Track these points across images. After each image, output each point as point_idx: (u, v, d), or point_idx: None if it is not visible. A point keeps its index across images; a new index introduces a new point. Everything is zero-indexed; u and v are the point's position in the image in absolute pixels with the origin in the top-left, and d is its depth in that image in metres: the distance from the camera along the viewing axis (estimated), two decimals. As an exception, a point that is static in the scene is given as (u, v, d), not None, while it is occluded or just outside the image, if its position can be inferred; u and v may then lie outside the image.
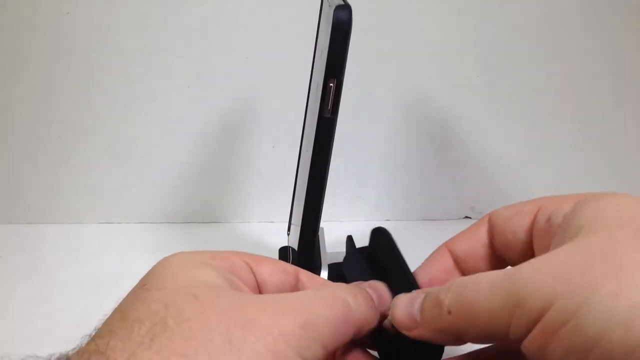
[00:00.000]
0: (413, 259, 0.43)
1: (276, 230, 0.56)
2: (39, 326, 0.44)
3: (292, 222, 0.48)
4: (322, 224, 0.38)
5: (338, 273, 0.46)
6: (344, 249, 0.48)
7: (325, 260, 0.40)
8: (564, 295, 0.17)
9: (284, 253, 0.47)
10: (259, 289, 0.25)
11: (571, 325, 0.17)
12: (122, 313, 0.20)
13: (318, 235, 0.39)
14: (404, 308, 0.24)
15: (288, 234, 0.49)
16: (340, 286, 0.25)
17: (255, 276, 0.25)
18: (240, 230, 0.60)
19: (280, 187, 0.56)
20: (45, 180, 0.60)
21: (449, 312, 0.22)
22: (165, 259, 0.23)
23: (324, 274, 0.39)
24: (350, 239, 0.47)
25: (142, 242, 0.58)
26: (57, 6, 0.53)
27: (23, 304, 0.47)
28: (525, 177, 0.62)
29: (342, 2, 0.31)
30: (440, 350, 0.26)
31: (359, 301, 0.24)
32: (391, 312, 0.25)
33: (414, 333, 0.24)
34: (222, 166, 0.60)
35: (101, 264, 0.54)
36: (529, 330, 0.19)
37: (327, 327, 0.21)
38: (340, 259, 0.48)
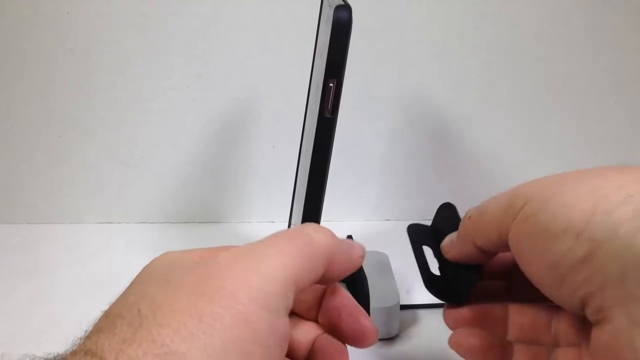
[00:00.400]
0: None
1: (276, 230, 0.56)
2: (39, 326, 0.44)
3: (292, 222, 0.48)
4: (322, 224, 0.38)
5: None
6: (343, 249, 0.48)
7: (325, 260, 0.40)
8: (537, 196, 0.24)
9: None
10: None
11: (535, 216, 0.24)
12: (106, 312, 0.20)
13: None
14: (448, 238, 0.32)
15: (288, 234, 0.49)
16: (305, 224, 0.25)
17: None
18: (240, 230, 0.60)
19: (280, 187, 0.56)
20: (45, 180, 0.60)
21: (469, 217, 0.29)
22: (154, 259, 0.23)
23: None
24: (350, 239, 0.47)
25: (141, 242, 0.58)
26: (57, 6, 0.53)
27: (23, 304, 0.47)
28: (525, 177, 0.61)
29: (342, 2, 0.31)
30: (473, 278, 0.31)
31: (323, 232, 0.24)
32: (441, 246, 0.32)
33: (451, 253, 0.31)
34: (222, 166, 0.60)
35: (101, 263, 0.54)
36: (514, 223, 0.25)
37: (292, 262, 0.21)
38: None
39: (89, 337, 0.19)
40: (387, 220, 0.63)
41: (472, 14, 0.55)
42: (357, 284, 0.43)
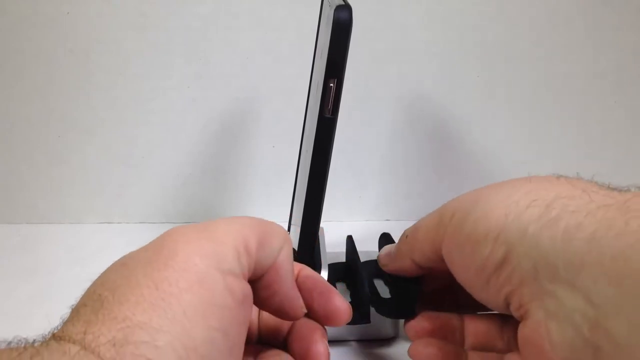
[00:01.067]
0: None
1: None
2: (39, 326, 0.44)
3: (292, 222, 0.48)
4: (322, 224, 0.38)
5: (337, 273, 0.46)
6: (344, 249, 0.48)
7: (325, 260, 0.40)
8: (461, 208, 0.27)
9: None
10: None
11: (460, 227, 0.26)
12: (72, 307, 0.21)
13: (318, 235, 0.39)
14: (384, 251, 0.35)
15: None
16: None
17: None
18: (240, 230, 0.60)
19: (280, 187, 0.56)
20: (45, 180, 0.60)
21: (406, 236, 0.32)
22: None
23: (324, 273, 0.39)
24: (350, 239, 0.47)
25: (141, 242, 0.57)
26: (57, 6, 0.53)
27: (23, 304, 0.47)
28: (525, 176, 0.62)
29: (342, 2, 0.31)
30: (413, 289, 0.35)
31: (284, 235, 0.25)
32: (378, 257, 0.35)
33: (389, 267, 0.35)
34: (222, 166, 0.60)
35: (101, 264, 0.54)
36: (444, 236, 0.27)
37: (243, 229, 0.22)
38: (341, 259, 0.48)
39: (57, 329, 0.20)
40: (387, 220, 0.63)
41: (472, 14, 0.55)
42: (357, 284, 0.43)
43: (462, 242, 0.26)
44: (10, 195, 0.61)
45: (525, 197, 0.24)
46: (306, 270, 0.28)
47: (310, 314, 0.26)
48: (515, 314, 0.24)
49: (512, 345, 0.28)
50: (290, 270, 0.25)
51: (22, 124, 0.58)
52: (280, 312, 0.25)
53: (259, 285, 0.24)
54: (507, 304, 0.24)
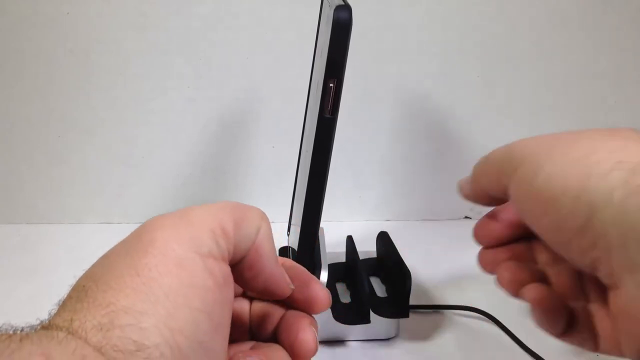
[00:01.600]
0: (413, 259, 0.43)
1: (276, 230, 0.56)
2: (38, 326, 0.44)
3: (292, 222, 0.48)
4: (322, 224, 0.38)
5: (337, 273, 0.46)
6: (344, 249, 0.48)
7: (325, 260, 0.40)
8: (531, 158, 0.26)
9: (284, 253, 0.48)
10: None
11: (531, 179, 0.25)
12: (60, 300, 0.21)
13: (318, 235, 0.39)
14: (465, 178, 0.34)
15: (288, 234, 0.49)
16: None
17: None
18: (240, 230, 0.60)
19: (280, 187, 0.56)
20: (45, 180, 0.60)
21: (479, 162, 0.32)
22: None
23: (324, 274, 0.39)
24: (350, 239, 0.47)
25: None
26: (57, 6, 0.53)
27: (23, 304, 0.47)
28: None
29: (342, 2, 0.31)
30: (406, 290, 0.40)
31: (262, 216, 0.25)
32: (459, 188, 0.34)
33: (463, 191, 0.34)
34: (222, 166, 0.60)
35: (101, 264, 0.54)
36: (510, 181, 0.27)
37: (219, 212, 0.22)
38: (341, 259, 0.48)
39: (45, 321, 0.20)
40: (387, 220, 0.63)
41: (472, 14, 0.55)
42: (357, 284, 0.43)
43: (533, 195, 0.25)
44: (10, 195, 0.61)
45: (608, 158, 0.22)
46: (287, 262, 0.28)
47: (292, 303, 0.27)
48: (604, 281, 0.23)
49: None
50: (271, 249, 0.25)
51: (22, 124, 0.58)
52: (267, 291, 0.25)
53: (242, 267, 0.24)
54: (594, 269, 0.23)
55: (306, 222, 0.37)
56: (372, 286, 0.44)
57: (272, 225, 0.26)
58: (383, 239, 0.47)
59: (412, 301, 0.41)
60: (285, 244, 0.49)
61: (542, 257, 0.30)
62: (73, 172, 0.60)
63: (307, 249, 0.38)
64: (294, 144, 0.48)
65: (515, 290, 0.29)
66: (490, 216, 0.33)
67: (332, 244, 0.45)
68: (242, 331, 0.27)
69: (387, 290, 0.45)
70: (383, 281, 0.46)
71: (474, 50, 0.56)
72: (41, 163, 0.59)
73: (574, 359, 0.41)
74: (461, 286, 0.49)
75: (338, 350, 0.42)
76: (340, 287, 0.46)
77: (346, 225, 0.58)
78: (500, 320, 0.44)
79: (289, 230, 0.49)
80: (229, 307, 0.22)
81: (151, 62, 0.56)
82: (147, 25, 0.54)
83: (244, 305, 0.27)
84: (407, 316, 0.40)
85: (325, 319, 0.41)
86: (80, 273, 0.21)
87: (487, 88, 0.58)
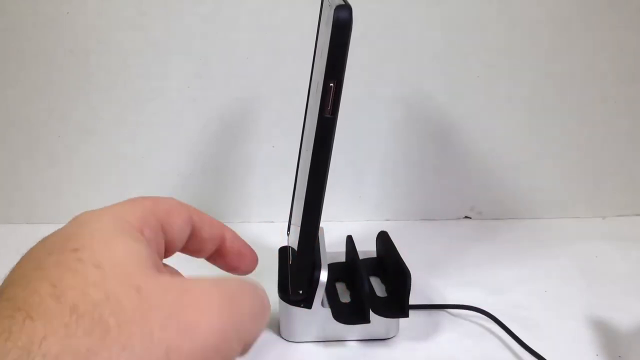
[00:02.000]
0: (413, 259, 0.43)
1: (276, 230, 0.56)
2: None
3: (292, 222, 0.48)
4: (322, 224, 0.38)
5: (337, 273, 0.46)
6: (344, 249, 0.48)
7: (325, 260, 0.40)
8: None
9: (284, 253, 0.48)
10: (166, 252, 0.25)
11: None
12: (54, 288, 0.17)
13: (318, 235, 0.39)
14: None
15: (288, 234, 0.49)
16: (239, 279, 0.23)
17: (166, 236, 0.25)
18: (240, 230, 0.59)
19: (280, 187, 0.56)
20: (45, 180, 0.60)
21: None
22: (89, 217, 0.22)
23: (324, 273, 0.39)
24: (350, 239, 0.47)
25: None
26: (57, 6, 0.53)
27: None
28: (525, 176, 0.62)
29: (342, 2, 0.31)
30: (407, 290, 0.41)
31: (264, 295, 0.23)
32: None
33: None
34: (222, 166, 0.60)
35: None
36: None
37: (252, 325, 0.21)
38: (341, 259, 0.48)
39: (29, 315, 0.16)
40: (387, 220, 0.63)
41: (472, 14, 0.55)
42: (356, 284, 0.43)
43: None
44: (10, 195, 0.61)
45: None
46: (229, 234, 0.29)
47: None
48: None
49: None
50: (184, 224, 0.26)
51: (22, 124, 0.58)
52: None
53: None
54: None
55: (306, 222, 0.37)
56: (372, 286, 0.44)
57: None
58: (383, 238, 0.47)
59: (412, 301, 0.41)
60: (285, 244, 0.49)
61: None
62: (73, 172, 0.60)
63: (307, 249, 0.38)
64: (294, 144, 0.48)
65: None
66: None
67: (332, 244, 0.45)
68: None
69: (387, 290, 0.45)
70: (383, 281, 0.46)
71: (474, 51, 0.56)
72: (41, 163, 0.59)
73: (574, 358, 0.41)
74: (461, 286, 0.49)
75: (338, 350, 0.42)
76: (340, 287, 0.46)
77: (346, 225, 0.58)
78: (501, 320, 0.44)
79: (288, 230, 0.49)
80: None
81: (151, 62, 0.56)
82: (147, 25, 0.54)
83: None
84: (407, 316, 0.40)
85: (325, 319, 0.41)
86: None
87: (487, 88, 0.58)
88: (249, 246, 0.29)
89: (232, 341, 0.18)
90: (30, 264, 0.20)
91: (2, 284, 0.19)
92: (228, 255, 0.27)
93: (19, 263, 0.20)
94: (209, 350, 0.17)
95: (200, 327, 0.17)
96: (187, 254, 0.26)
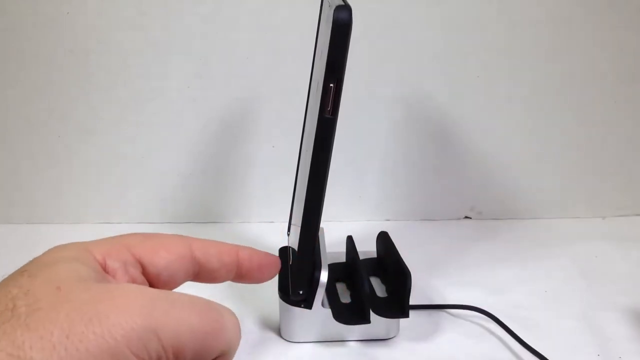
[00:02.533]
0: (413, 259, 0.43)
1: (276, 230, 0.56)
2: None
3: (292, 222, 0.48)
4: (322, 224, 0.38)
5: (337, 273, 0.46)
6: (344, 249, 0.48)
7: (325, 260, 0.40)
8: None
9: (284, 253, 0.48)
10: (152, 283, 0.24)
11: None
12: None
13: (318, 236, 0.39)
14: None
15: (288, 234, 0.49)
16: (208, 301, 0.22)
17: (147, 270, 0.24)
18: (240, 230, 0.60)
19: (280, 187, 0.56)
20: (45, 180, 0.60)
21: None
22: (58, 247, 0.23)
23: (324, 274, 0.39)
24: (350, 239, 0.47)
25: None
26: (57, 6, 0.53)
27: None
28: (525, 176, 0.62)
29: (342, 2, 0.31)
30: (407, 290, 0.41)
31: (232, 321, 0.22)
32: None
33: None
34: (222, 166, 0.60)
35: (101, 264, 0.54)
36: None
37: (185, 335, 0.20)
38: (341, 259, 0.48)
39: None
40: (387, 220, 0.63)
41: (472, 14, 0.55)
42: (357, 284, 0.43)
43: None
44: (10, 195, 0.61)
45: None
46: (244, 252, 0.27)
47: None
48: None
49: None
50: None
51: (22, 124, 0.58)
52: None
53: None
54: None
55: (306, 222, 0.37)
56: (372, 286, 0.44)
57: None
58: (383, 239, 0.47)
59: (412, 301, 0.41)
60: (285, 244, 0.49)
61: None
62: (73, 172, 0.60)
63: (307, 249, 0.38)
64: (294, 144, 0.48)
65: None
66: None
67: (332, 244, 0.45)
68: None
69: (387, 290, 0.45)
70: (383, 281, 0.46)
71: (474, 51, 0.56)
72: (41, 163, 0.59)
73: (575, 357, 0.41)
74: (461, 286, 0.49)
75: (338, 350, 0.42)
76: (340, 287, 0.46)
77: (346, 225, 0.58)
78: (501, 319, 0.44)
79: (289, 230, 0.49)
80: None
81: (151, 62, 0.56)
82: (147, 25, 0.54)
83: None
84: (407, 316, 0.40)
85: (325, 319, 0.41)
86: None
87: (487, 88, 0.58)
88: (268, 255, 0.28)
89: (148, 341, 0.19)
90: None
91: None
92: (248, 274, 0.27)
93: None
94: (117, 342, 0.18)
95: (109, 319, 0.18)
96: (202, 282, 0.26)
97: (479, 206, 0.63)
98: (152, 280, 0.24)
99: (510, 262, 0.54)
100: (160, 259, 0.24)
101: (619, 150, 0.61)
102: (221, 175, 0.60)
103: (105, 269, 0.22)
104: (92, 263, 0.22)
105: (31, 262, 0.22)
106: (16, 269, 0.22)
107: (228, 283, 0.27)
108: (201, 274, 0.26)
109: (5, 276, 0.20)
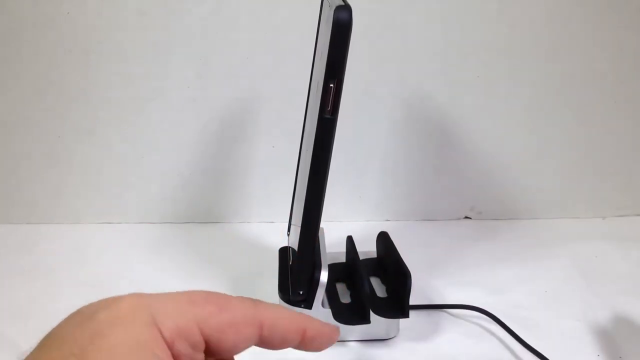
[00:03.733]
0: (413, 259, 0.43)
1: (276, 230, 0.56)
2: (38, 326, 0.44)
3: (292, 222, 0.48)
4: (322, 224, 0.38)
5: (337, 273, 0.46)
6: (344, 249, 0.48)
7: (325, 260, 0.40)
8: None
9: (285, 253, 0.48)
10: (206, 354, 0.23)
11: None
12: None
13: (318, 236, 0.39)
14: None
15: (288, 234, 0.49)
16: None
17: (209, 347, 0.22)
18: (240, 230, 0.60)
19: (280, 187, 0.56)
20: (45, 180, 0.60)
21: None
22: (116, 316, 0.20)
23: (324, 274, 0.39)
24: (350, 239, 0.47)
25: (141, 242, 0.58)
26: (57, 6, 0.53)
27: (23, 304, 0.47)
28: (525, 176, 0.62)
29: (342, 2, 0.31)
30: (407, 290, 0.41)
31: None
32: None
33: None
34: (222, 166, 0.60)
35: (101, 263, 0.54)
36: None
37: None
38: (341, 259, 0.48)
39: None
40: (387, 220, 0.63)
41: (472, 14, 0.55)
42: (357, 284, 0.43)
43: None
44: (10, 195, 0.61)
45: None
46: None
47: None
48: None
49: None
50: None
51: (21, 124, 0.58)
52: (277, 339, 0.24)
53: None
54: None
55: (306, 222, 0.37)
56: (372, 286, 0.44)
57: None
58: (383, 239, 0.47)
59: (412, 301, 0.41)
60: (286, 244, 0.49)
61: None
62: (73, 172, 0.60)
63: (308, 249, 0.38)
64: (294, 144, 0.48)
65: None
66: None
67: (332, 244, 0.45)
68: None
69: (387, 290, 0.45)
70: (383, 281, 0.46)
71: (474, 50, 0.56)
72: (41, 163, 0.59)
73: (575, 357, 0.41)
74: (461, 286, 0.49)
75: (338, 350, 0.42)
76: (340, 287, 0.46)
77: (346, 226, 0.58)
78: (501, 319, 0.44)
79: (289, 230, 0.49)
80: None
81: (151, 62, 0.56)
82: (147, 25, 0.54)
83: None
84: (407, 316, 0.40)
85: (325, 319, 0.41)
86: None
87: (487, 88, 0.58)
88: (329, 326, 0.26)
89: None
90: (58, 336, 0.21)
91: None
92: (307, 345, 0.26)
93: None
94: None
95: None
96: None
97: (479, 206, 0.63)
98: (209, 354, 0.22)
99: (510, 262, 0.54)
100: (228, 342, 0.22)
101: (619, 150, 0.61)
102: (221, 175, 0.60)
103: (172, 350, 0.20)
104: (159, 351, 0.20)
105: (81, 325, 0.20)
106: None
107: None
108: (260, 345, 0.24)
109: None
